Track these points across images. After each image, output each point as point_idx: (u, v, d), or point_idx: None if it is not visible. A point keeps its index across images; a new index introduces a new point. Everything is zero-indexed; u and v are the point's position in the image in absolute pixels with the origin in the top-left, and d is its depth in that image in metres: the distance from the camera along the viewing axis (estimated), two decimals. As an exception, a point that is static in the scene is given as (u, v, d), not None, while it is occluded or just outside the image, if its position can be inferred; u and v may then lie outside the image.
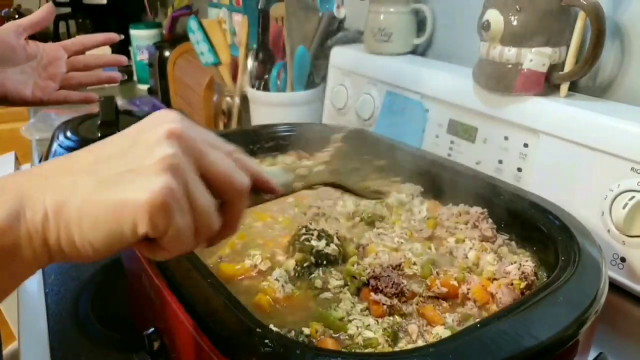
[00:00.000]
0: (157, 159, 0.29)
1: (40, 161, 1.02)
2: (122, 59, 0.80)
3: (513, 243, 0.61)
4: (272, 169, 0.48)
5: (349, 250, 0.58)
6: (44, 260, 0.29)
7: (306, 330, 0.45)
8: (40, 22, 0.73)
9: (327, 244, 0.55)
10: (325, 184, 0.49)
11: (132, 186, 0.28)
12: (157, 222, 0.28)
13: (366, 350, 0.43)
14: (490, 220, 0.62)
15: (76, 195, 0.28)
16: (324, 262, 0.54)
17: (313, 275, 0.53)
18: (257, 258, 0.55)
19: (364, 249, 0.59)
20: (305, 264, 0.54)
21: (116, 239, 0.29)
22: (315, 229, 0.57)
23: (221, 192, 0.32)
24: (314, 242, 0.55)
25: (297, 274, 0.53)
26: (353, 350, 0.44)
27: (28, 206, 0.28)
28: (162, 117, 0.31)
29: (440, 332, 0.46)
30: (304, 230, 0.57)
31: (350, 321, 0.47)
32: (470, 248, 0.58)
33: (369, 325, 0.46)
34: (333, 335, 0.45)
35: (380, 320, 0.47)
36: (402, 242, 0.61)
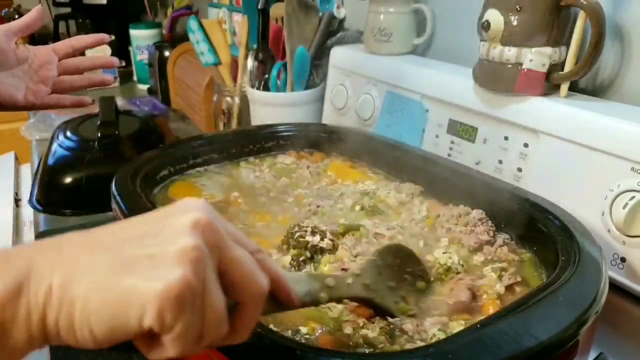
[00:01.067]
0: (179, 248, 0.27)
1: (39, 161, 1.02)
2: (114, 60, 0.80)
3: (513, 243, 0.61)
4: (298, 274, 0.47)
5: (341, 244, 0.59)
6: (35, 343, 0.27)
7: (303, 330, 0.45)
8: (31, 25, 0.73)
9: (322, 239, 0.57)
10: (357, 299, 0.46)
11: (147, 273, 0.27)
12: (166, 317, 0.26)
13: (367, 350, 0.43)
14: (490, 222, 0.62)
15: (86, 275, 0.27)
16: (319, 256, 0.56)
17: (306, 270, 0.54)
18: None
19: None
20: (301, 259, 0.55)
21: (119, 327, 0.27)
22: (308, 226, 0.58)
23: (237, 292, 0.30)
24: (308, 238, 0.56)
25: (292, 269, 0.54)
26: (353, 350, 0.44)
27: (34, 279, 0.26)
28: (190, 205, 0.30)
29: (435, 332, 0.46)
30: (297, 228, 0.58)
31: (345, 321, 0.47)
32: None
33: (364, 324, 0.46)
34: (330, 332, 0.46)
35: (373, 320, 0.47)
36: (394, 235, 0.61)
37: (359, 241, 0.59)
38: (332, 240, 0.58)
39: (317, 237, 0.57)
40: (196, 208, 0.30)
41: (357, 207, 0.68)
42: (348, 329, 0.46)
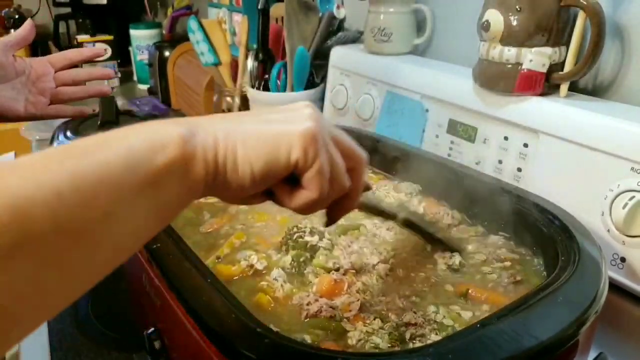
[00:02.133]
0: (305, 114, 0.36)
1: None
2: (110, 72, 0.82)
3: (512, 243, 0.61)
4: None
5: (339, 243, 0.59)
6: (210, 177, 0.32)
7: (307, 337, 0.45)
8: (26, 37, 0.75)
9: (320, 239, 0.57)
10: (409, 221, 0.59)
11: (287, 124, 0.35)
12: (308, 151, 0.34)
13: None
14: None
15: (242, 127, 0.34)
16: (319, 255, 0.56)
17: (306, 270, 0.54)
18: (252, 258, 0.55)
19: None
20: (301, 259, 0.55)
21: (273, 162, 0.33)
22: (306, 227, 0.59)
23: (347, 158, 0.38)
24: (307, 238, 0.57)
25: (293, 269, 0.54)
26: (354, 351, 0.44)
27: (202, 130, 0.32)
28: (305, 103, 0.38)
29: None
30: (295, 229, 0.58)
31: (347, 331, 0.47)
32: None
33: (372, 332, 0.46)
34: (334, 338, 0.46)
35: (381, 325, 0.47)
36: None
37: (356, 240, 0.59)
38: (330, 240, 0.58)
39: (316, 237, 0.57)
40: (309, 104, 0.38)
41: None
42: (353, 336, 0.46)
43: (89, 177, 0.25)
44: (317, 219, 0.66)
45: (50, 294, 0.25)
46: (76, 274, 0.26)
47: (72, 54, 0.80)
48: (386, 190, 0.71)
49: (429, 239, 0.60)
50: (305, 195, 0.36)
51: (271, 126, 0.35)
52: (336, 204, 0.40)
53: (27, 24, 0.75)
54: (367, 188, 0.46)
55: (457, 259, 0.56)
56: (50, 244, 0.23)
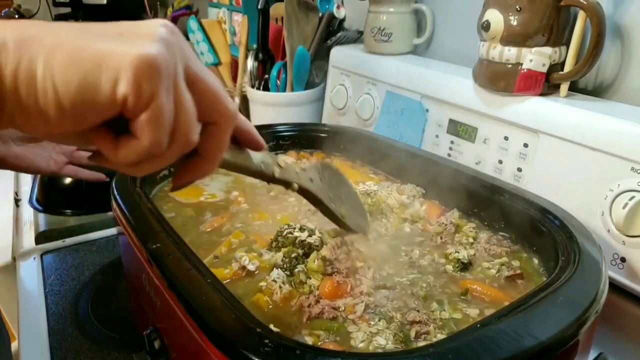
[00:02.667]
0: (154, 33, 0.26)
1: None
2: (101, 177, 0.84)
3: (512, 243, 0.61)
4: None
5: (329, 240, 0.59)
6: None
7: (308, 339, 0.45)
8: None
9: (310, 235, 0.57)
10: (304, 190, 0.48)
11: (121, 43, 0.25)
12: (143, 85, 0.25)
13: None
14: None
15: (52, 35, 0.24)
16: (309, 252, 0.56)
17: (297, 269, 0.54)
18: (244, 259, 0.55)
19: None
20: (293, 255, 0.55)
21: (88, 92, 0.24)
22: (296, 225, 0.59)
23: (207, 109, 0.29)
24: (297, 234, 0.57)
25: (285, 266, 0.54)
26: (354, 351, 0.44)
27: None
28: (158, 20, 0.28)
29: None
30: (285, 227, 0.59)
31: (350, 332, 0.47)
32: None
33: (376, 332, 0.46)
34: (337, 339, 0.46)
35: (386, 326, 0.47)
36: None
37: (345, 242, 0.59)
38: (320, 236, 0.58)
39: (305, 233, 0.57)
40: (165, 22, 0.28)
41: None
42: (357, 337, 0.46)
43: None
44: (318, 219, 0.66)
45: None
46: None
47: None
48: (388, 192, 0.71)
49: (330, 215, 0.54)
50: (134, 145, 0.26)
51: (98, 43, 0.25)
52: (185, 165, 0.32)
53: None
54: (256, 147, 0.37)
55: (464, 253, 0.57)
56: None
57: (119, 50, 0.24)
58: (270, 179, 0.43)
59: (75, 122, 0.25)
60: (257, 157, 0.40)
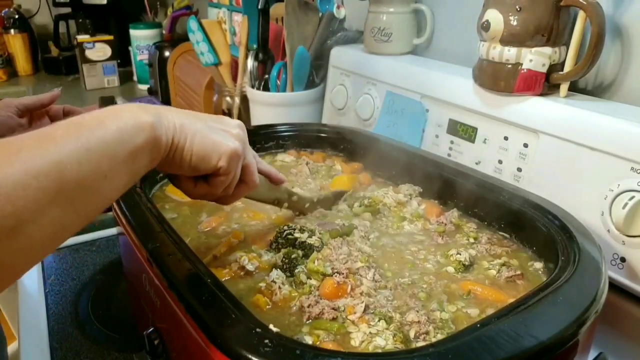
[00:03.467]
0: (236, 132, 0.48)
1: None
2: (56, 93, 0.86)
3: (512, 243, 0.61)
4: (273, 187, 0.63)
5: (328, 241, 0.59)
6: (165, 154, 0.43)
7: (308, 339, 0.45)
8: (44, 104, 0.83)
9: (310, 236, 0.57)
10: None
11: (224, 138, 0.46)
12: (231, 163, 0.47)
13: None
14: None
15: (193, 124, 0.44)
16: (309, 253, 0.56)
17: (298, 269, 0.54)
18: (243, 259, 0.55)
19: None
20: (292, 256, 0.55)
21: (205, 160, 0.45)
22: (295, 225, 0.59)
23: (244, 174, 0.51)
24: (297, 235, 0.57)
25: (284, 266, 0.54)
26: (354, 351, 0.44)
27: (164, 118, 0.43)
28: (236, 122, 0.50)
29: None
30: (285, 227, 0.59)
31: (349, 332, 0.47)
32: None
33: (376, 333, 0.46)
34: (337, 338, 0.46)
35: (386, 327, 0.47)
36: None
37: (346, 242, 0.59)
38: (320, 237, 0.58)
39: (306, 234, 0.57)
40: (240, 124, 0.50)
41: (356, 204, 0.69)
42: (356, 338, 0.46)
43: (95, 150, 0.36)
44: (316, 219, 0.66)
45: (67, 229, 0.35)
46: (84, 214, 0.36)
47: (28, 101, 0.83)
48: (384, 192, 0.71)
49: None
50: (206, 189, 0.49)
51: (213, 134, 0.46)
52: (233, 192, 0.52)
53: (54, 92, 0.84)
54: (276, 183, 0.61)
55: (466, 255, 0.57)
56: (72, 195, 0.34)
57: (224, 142, 0.46)
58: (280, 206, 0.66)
59: (193, 171, 0.46)
60: (273, 195, 0.64)
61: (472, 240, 0.62)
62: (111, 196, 0.39)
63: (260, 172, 0.55)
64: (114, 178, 0.37)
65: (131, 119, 0.39)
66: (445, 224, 0.64)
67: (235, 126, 0.49)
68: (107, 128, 0.37)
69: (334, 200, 0.72)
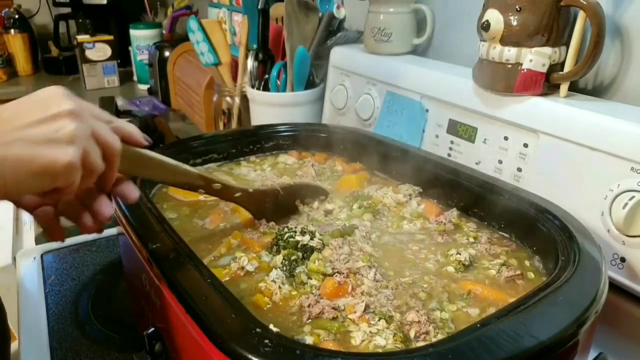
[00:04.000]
0: (67, 133, 0.38)
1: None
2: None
3: (513, 243, 0.61)
4: (183, 167, 0.56)
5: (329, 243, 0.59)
6: None
7: (308, 339, 0.45)
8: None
9: (311, 238, 0.57)
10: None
11: (51, 153, 0.37)
12: (68, 178, 0.39)
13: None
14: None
15: (7, 157, 0.36)
16: (310, 254, 0.56)
17: (298, 270, 0.54)
18: (243, 260, 0.55)
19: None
20: (292, 258, 0.55)
21: (38, 187, 0.38)
22: (296, 227, 0.59)
23: (104, 149, 0.42)
24: (298, 238, 0.57)
25: (284, 267, 0.54)
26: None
27: None
28: (59, 94, 0.40)
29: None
30: (286, 230, 0.58)
31: (349, 331, 0.47)
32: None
33: (376, 332, 0.46)
34: (337, 338, 0.46)
35: (386, 326, 0.47)
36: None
37: (347, 242, 0.59)
38: (321, 239, 0.58)
39: (307, 237, 0.57)
40: (65, 96, 0.40)
41: (355, 205, 0.69)
42: (357, 337, 0.46)
43: None
44: (318, 218, 0.66)
45: None
46: None
47: None
48: (384, 192, 0.71)
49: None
50: (56, 197, 0.41)
51: (38, 154, 0.37)
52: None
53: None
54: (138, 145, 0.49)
55: (466, 255, 0.57)
56: None
57: (52, 159, 0.37)
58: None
59: (16, 195, 0.40)
60: (182, 180, 0.55)
61: (472, 240, 0.62)
62: None
63: (120, 135, 0.45)
64: None
65: None
66: (445, 224, 0.64)
67: (64, 116, 0.39)
68: None
69: (297, 196, 0.68)
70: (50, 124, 0.38)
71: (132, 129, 0.48)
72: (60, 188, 0.39)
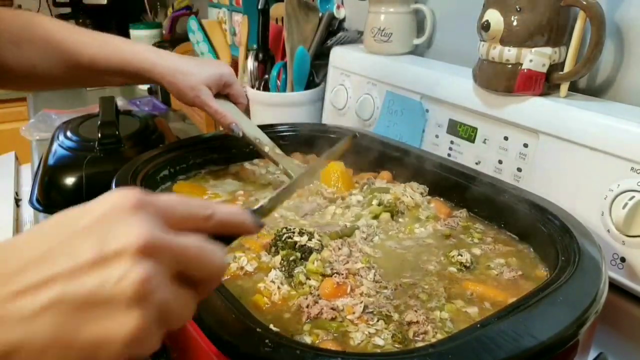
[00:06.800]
0: (132, 286, 0.24)
1: (40, 161, 1.02)
2: None
3: (513, 242, 0.61)
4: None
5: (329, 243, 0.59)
6: None
7: (307, 339, 0.45)
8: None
9: (309, 239, 0.57)
10: None
11: (104, 325, 0.24)
12: (139, 350, 0.25)
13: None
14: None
15: (33, 339, 0.23)
16: (308, 255, 0.56)
17: (297, 270, 0.54)
18: (242, 260, 0.55)
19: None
20: (291, 258, 0.55)
21: None
22: (294, 228, 0.59)
23: (199, 276, 0.30)
24: (296, 238, 0.57)
25: (283, 268, 0.54)
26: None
27: None
28: (126, 213, 0.26)
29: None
30: (284, 231, 0.58)
31: (348, 332, 0.47)
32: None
33: (375, 332, 0.46)
34: (336, 337, 0.46)
35: (385, 327, 0.47)
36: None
37: (346, 243, 0.59)
38: (319, 240, 0.58)
39: (305, 237, 0.57)
40: (133, 222, 0.25)
41: (375, 202, 0.68)
42: (355, 337, 0.46)
43: None
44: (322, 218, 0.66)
45: None
46: None
47: None
48: (402, 189, 0.70)
49: None
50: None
51: (82, 328, 0.24)
52: None
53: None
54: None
55: (467, 256, 0.57)
56: None
57: (102, 338, 0.24)
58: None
59: None
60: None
61: (476, 240, 0.62)
62: None
63: (227, 231, 0.33)
64: None
65: None
66: (455, 227, 0.64)
67: (129, 257, 0.25)
68: None
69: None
70: (106, 270, 0.24)
71: (241, 218, 0.34)
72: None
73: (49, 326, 0.23)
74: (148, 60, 0.71)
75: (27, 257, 0.24)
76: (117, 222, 0.25)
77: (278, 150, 0.78)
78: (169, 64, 0.72)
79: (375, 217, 0.66)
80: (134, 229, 0.25)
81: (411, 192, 0.70)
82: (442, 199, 0.71)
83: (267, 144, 0.78)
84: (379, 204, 0.67)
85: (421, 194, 0.71)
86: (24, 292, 0.23)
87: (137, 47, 0.74)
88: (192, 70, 0.73)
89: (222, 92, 0.78)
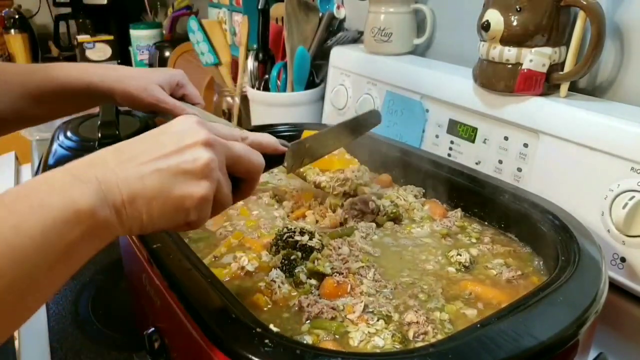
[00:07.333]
0: (201, 165, 0.38)
1: (40, 161, 1.02)
2: None
3: (513, 242, 0.61)
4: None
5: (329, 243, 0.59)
6: (115, 235, 0.36)
7: (307, 338, 0.45)
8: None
9: (310, 239, 0.57)
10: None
11: (188, 186, 0.38)
12: (201, 212, 0.39)
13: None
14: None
15: (145, 191, 0.36)
16: (309, 255, 0.56)
17: (297, 269, 0.54)
18: (243, 259, 0.55)
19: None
20: (292, 257, 0.55)
21: (171, 224, 0.38)
22: (296, 227, 0.59)
23: (243, 174, 0.43)
24: (297, 237, 0.57)
25: (284, 267, 0.54)
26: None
27: (109, 195, 0.35)
28: (192, 125, 0.40)
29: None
30: (285, 230, 0.58)
31: (348, 332, 0.47)
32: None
33: (375, 332, 0.46)
34: (336, 337, 0.46)
35: (385, 326, 0.47)
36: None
37: (347, 243, 0.59)
38: (320, 239, 0.58)
39: (306, 237, 0.57)
40: (197, 126, 0.40)
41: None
42: (355, 337, 0.46)
43: (7, 267, 0.29)
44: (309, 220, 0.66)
45: None
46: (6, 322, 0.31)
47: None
48: (396, 193, 0.71)
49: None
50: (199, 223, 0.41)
51: (174, 189, 0.37)
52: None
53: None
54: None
55: (466, 256, 0.57)
56: None
57: (187, 196, 0.38)
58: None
59: (161, 230, 0.39)
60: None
61: (474, 240, 0.62)
62: (42, 298, 0.33)
63: (259, 149, 0.45)
64: (42, 283, 0.31)
65: (61, 210, 0.32)
66: (450, 227, 0.64)
67: (197, 147, 0.39)
68: (23, 233, 0.30)
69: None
70: (185, 154, 0.38)
71: (269, 140, 0.48)
72: (192, 222, 0.39)
73: (156, 183, 0.37)
74: (97, 74, 0.70)
75: (137, 149, 0.38)
76: (188, 128, 0.40)
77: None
78: (119, 72, 0.71)
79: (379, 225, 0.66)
80: (200, 132, 0.39)
81: (404, 194, 0.70)
82: (437, 201, 0.71)
83: None
84: (384, 215, 0.67)
85: (415, 196, 0.71)
86: (139, 164, 0.37)
87: (85, 65, 0.75)
88: (142, 74, 0.72)
89: (177, 94, 0.75)
